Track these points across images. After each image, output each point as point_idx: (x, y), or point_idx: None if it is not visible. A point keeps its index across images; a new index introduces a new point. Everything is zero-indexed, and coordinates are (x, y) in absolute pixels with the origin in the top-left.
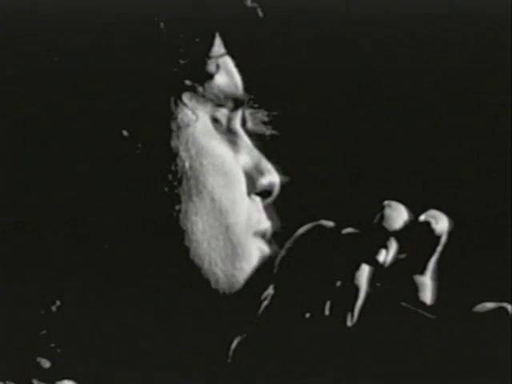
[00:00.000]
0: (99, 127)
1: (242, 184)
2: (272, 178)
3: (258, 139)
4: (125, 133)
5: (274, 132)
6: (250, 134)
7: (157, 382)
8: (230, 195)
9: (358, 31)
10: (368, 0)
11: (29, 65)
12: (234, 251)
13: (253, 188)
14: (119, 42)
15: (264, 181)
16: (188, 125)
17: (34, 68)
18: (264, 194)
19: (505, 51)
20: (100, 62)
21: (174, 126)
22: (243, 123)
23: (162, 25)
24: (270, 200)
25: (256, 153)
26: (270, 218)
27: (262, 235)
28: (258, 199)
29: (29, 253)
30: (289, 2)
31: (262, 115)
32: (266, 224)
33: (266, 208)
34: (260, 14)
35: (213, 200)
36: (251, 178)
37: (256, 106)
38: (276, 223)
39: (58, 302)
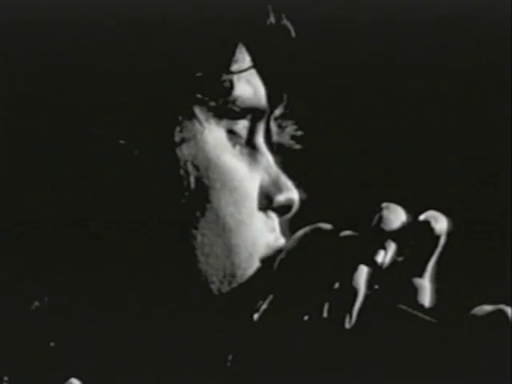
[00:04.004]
0: (108, 133)
1: (252, 202)
2: (290, 194)
3: (280, 154)
4: (129, 139)
5: (300, 147)
6: (272, 147)
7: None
8: (237, 214)
9: (386, 48)
10: (397, 19)
11: (43, 69)
12: (233, 273)
13: (269, 204)
14: (139, 48)
15: (281, 197)
16: (195, 136)
17: (48, 72)
18: (282, 210)
19: (505, 51)
20: (123, 65)
21: (183, 135)
22: (268, 136)
23: (183, 35)
24: (287, 216)
25: (275, 168)
26: (283, 233)
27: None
28: (273, 216)
29: (34, 251)
30: (317, 19)
31: (291, 129)
32: (280, 241)
33: (281, 224)
34: (286, 32)
35: (217, 216)
36: (268, 194)
37: (285, 120)
38: (289, 239)
39: (49, 298)
